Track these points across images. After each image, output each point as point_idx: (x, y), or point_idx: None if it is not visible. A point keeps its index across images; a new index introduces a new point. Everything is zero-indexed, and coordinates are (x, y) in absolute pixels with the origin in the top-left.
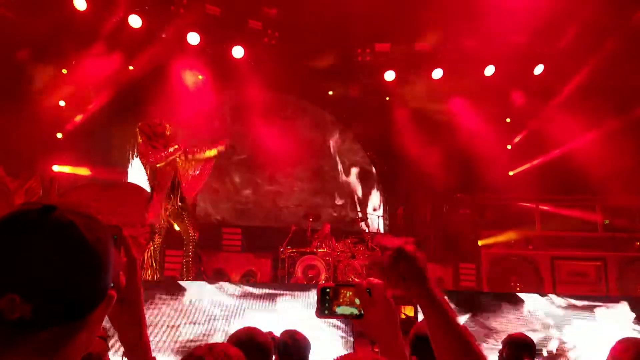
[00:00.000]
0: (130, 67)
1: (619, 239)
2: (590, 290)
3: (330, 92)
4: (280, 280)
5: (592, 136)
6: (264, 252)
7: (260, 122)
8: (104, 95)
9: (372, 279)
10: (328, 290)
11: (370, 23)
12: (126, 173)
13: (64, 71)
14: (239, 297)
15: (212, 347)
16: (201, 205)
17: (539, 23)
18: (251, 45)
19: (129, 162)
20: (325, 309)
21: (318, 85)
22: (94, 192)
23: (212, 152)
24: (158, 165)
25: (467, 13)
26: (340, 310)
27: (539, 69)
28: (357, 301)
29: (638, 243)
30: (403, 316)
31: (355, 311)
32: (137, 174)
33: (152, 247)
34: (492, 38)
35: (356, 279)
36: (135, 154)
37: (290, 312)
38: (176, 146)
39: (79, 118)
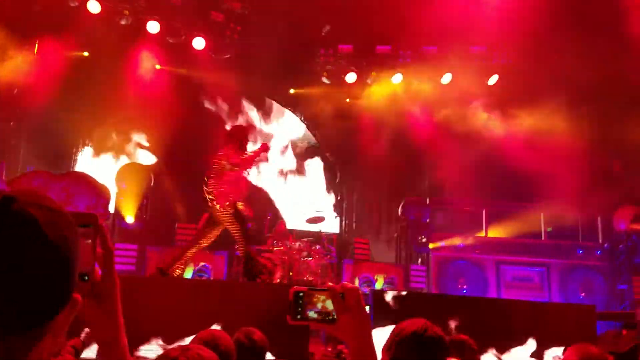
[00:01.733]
0: (85, 53)
1: (562, 247)
2: (534, 295)
3: (292, 91)
4: (234, 277)
5: (541, 145)
6: (218, 249)
7: (219, 118)
8: (57, 81)
9: (346, 283)
10: (301, 294)
11: (334, 24)
12: (74, 161)
13: (20, 56)
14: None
15: (186, 349)
16: (156, 200)
17: (497, 34)
18: (213, 38)
19: (78, 150)
20: (298, 313)
21: (280, 83)
22: (44, 180)
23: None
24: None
25: (428, 21)
26: (313, 314)
27: (493, 79)
28: (331, 306)
29: (580, 251)
30: None
31: (329, 316)
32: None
33: None
34: (450, 46)
35: (310, 278)
36: (221, 156)
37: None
38: (251, 152)
39: (31, 104)
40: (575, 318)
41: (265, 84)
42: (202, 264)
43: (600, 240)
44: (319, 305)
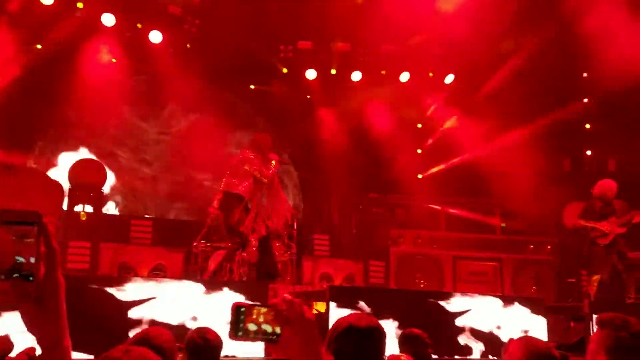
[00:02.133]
0: (38, 46)
1: (514, 242)
2: (488, 289)
3: (252, 87)
4: (192, 275)
5: (496, 144)
6: (176, 247)
7: (179, 113)
8: (7, 74)
9: (288, 295)
10: (243, 309)
11: (294, 20)
12: (30, 157)
13: None
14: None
15: (129, 350)
16: (114, 196)
17: (453, 35)
18: (170, 31)
19: (35, 145)
20: (239, 330)
21: (239, 78)
22: None
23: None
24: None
25: (386, 19)
26: (254, 331)
27: (449, 78)
28: (273, 322)
29: (532, 246)
30: (315, 312)
31: (272, 335)
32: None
33: None
34: (407, 46)
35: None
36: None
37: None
38: (274, 162)
39: None
40: (526, 311)
41: (224, 79)
42: (158, 262)
43: (550, 236)
44: (261, 320)
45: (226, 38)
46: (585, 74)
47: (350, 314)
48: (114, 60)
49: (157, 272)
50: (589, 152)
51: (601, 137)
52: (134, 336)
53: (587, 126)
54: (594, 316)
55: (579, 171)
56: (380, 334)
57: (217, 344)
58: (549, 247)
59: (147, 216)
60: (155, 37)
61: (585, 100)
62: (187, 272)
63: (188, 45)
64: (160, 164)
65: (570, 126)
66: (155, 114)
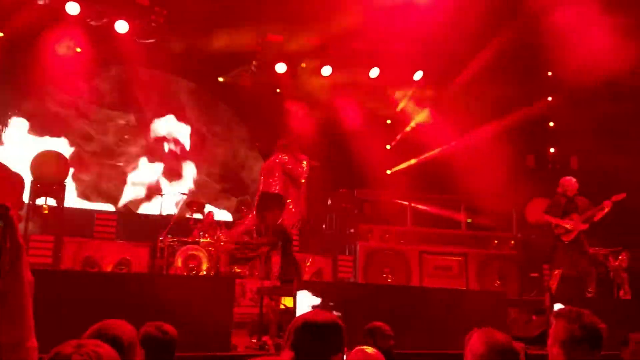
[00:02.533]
0: (0, 34)
1: (479, 237)
2: (453, 283)
3: (221, 79)
4: (158, 270)
5: (463, 141)
6: (141, 241)
7: (147, 105)
8: None
9: None
10: None
11: (264, 13)
12: None
13: None
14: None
15: (81, 345)
16: (79, 189)
17: (422, 32)
18: (137, 21)
19: None
20: None
21: (207, 70)
22: None
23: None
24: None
25: (356, 15)
26: None
27: (418, 75)
28: None
29: (496, 241)
30: (282, 307)
31: None
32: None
33: None
34: (378, 42)
35: (238, 270)
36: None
37: None
38: (305, 163)
39: None
40: (488, 304)
41: (192, 71)
42: (123, 256)
43: (514, 231)
44: None
45: (193, 29)
46: (549, 73)
47: (309, 311)
48: (78, 50)
49: (121, 267)
50: (552, 150)
51: (564, 135)
52: (90, 329)
53: (551, 124)
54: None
55: (543, 168)
56: (337, 329)
57: (174, 337)
58: (512, 242)
59: (111, 210)
60: (122, 27)
61: (550, 98)
62: (152, 267)
63: (154, 37)
64: (125, 157)
65: (535, 124)
66: (120, 105)
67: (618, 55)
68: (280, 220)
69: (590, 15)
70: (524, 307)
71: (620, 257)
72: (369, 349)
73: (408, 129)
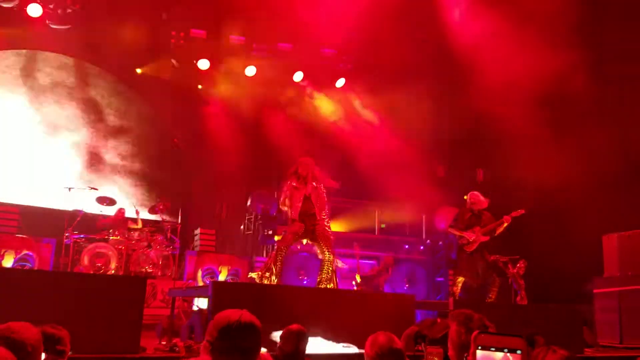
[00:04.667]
0: None
1: (391, 241)
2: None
3: (139, 70)
4: (62, 268)
5: (379, 149)
6: (45, 236)
7: (61, 94)
8: None
9: None
10: None
11: (188, 6)
12: None
13: None
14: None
15: None
16: None
17: (346, 38)
18: (52, 5)
19: None
20: None
21: (125, 61)
22: None
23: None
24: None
25: (284, 17)
26: None
27: (340, 82)
28: None
29: (406, 246)
30: (196, 308)
31: None
32: None
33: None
34: (303, 45)
35: (150, 269)
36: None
37: None
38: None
39: None
40: (397, 306)
41: (109, 60)
42: (25, 252)
43: (423, 237)
44: None
45: (113, 17)
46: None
47: (228, 310)
48: None
49: (23, 264)
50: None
51: (472, 149)
52: None
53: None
54: None
55: (451, 178)
56: (258, 330)
57: (66, 338)
58: (421, 247)
59: (13, 203)
60: (34, 10)
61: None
62: (57, 264)
63: (69, 24)
64: (32, 147)
65: (445, 136)
66: (29, 91)
67: (525, 67)
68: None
69: (501, 28)
70: (430, 309)
71: (518, 265)
72: (264, 352)
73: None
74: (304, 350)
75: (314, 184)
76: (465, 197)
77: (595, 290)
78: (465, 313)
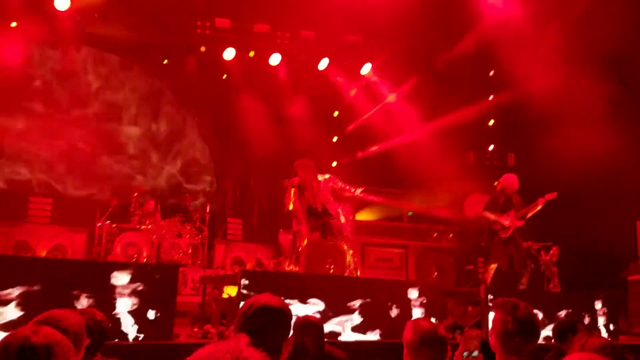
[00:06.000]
0: None
1: (419, 230)
2: (394, 274)
3: (165, 61)
4: (95, 257)
5: (407, 136)
6: (78, 226)
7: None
8: None
9: None
10: None
11: None
12: None
13: None
14: None
15: (37, 331)
16: (6, 170)
17: (374, 24)
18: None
19: None
20: None
21: (152, 52)
22: None
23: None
24: None
25: (308, 5)
26: None
27: (366, 68)
28: None
29: (435, 234)
30: (225, 295)
31: None
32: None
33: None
34: (328, 33)
35: (180, 258)
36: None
37: None
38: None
39: None
40: (428, 295)
41: (137, 50)
42: (58, 242)
43: (452, 225)
44: None
45: (139, 9)
46: (491, 72)
47: (261, 295)
48: (13, 24)
49: (56, 253)
50: (491, 147)
51: (503, 133)
52: (37, 318)
53: (491, 122)
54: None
55: (481, 164)
56: (289, 314)
57: (105, 324)
58: (450, 235)
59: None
60: (62, 3)
61: (491, 97)
62: (90, 253)
63: (96, 15)
64: (64, 140)
65: (476, 121)
66: (63, 85)
67: (560, 59)
68: None
69: (539, 20)
70: (459, 298)
71: (551, 252)
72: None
73: (355, 122)
74: (312, 342)
75: (316, 181)
76: (495, 183)
77: (629, 277)
78: (512, 301)
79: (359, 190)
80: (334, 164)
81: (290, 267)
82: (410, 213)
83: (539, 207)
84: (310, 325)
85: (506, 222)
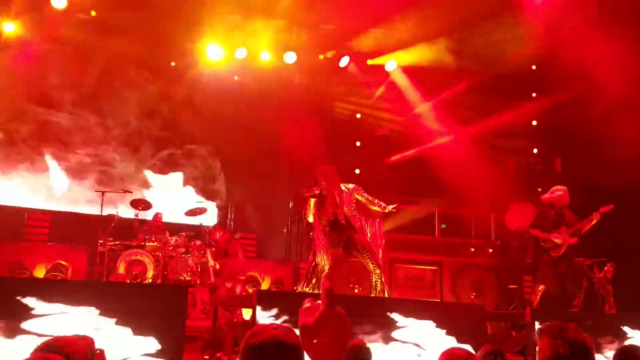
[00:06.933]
0: None
1: (454, 245)
2: (427, 295)
3: (173, 63)
4: (97, 277)
5: (446, 143)
6: (78, 244)
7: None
8: None
9: None
10: None
11: None
12: None
13: None
14: None
15: (47, 358)
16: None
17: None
18: None
19: None
20: None
21: (161, 53)
22: None
23: (377, 208)
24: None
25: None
26: None
27: (391, 65)
28: None
29: (472, 249)
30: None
31: None
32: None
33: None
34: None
35: (188, 277)
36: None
37: None
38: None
39: None
40: (465, 317)
41: (144, 50)
42: (57, 261)
43: (492, 238)
44: None
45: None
46: (534, 67)
47: (261, 325)
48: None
49: (56, 274)
50: (535, 150)
51: (548, 135)
52: (41, 345)
53: (534, 122)
54: (536, 325)
55: (524, 170)
56: (286, 348)
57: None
58: (490, 250)
59: (44, 209)
60: (59, 2)
61: (534, 94)
62: (91, 273)
63: (93, 13)
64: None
65: (517, 123)
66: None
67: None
68: None
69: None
70: (502, 321)
71: (605, 269)
72: None
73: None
74: None
75: (339, 191)
76: (539, 189)
77: None
78: (558, 325)
79: (390, 207)
80: (357, 171)
81: (304, 289)
82: (443, 226)
83: (594, 222)
84: (363, 350)
85: (558, 240)
